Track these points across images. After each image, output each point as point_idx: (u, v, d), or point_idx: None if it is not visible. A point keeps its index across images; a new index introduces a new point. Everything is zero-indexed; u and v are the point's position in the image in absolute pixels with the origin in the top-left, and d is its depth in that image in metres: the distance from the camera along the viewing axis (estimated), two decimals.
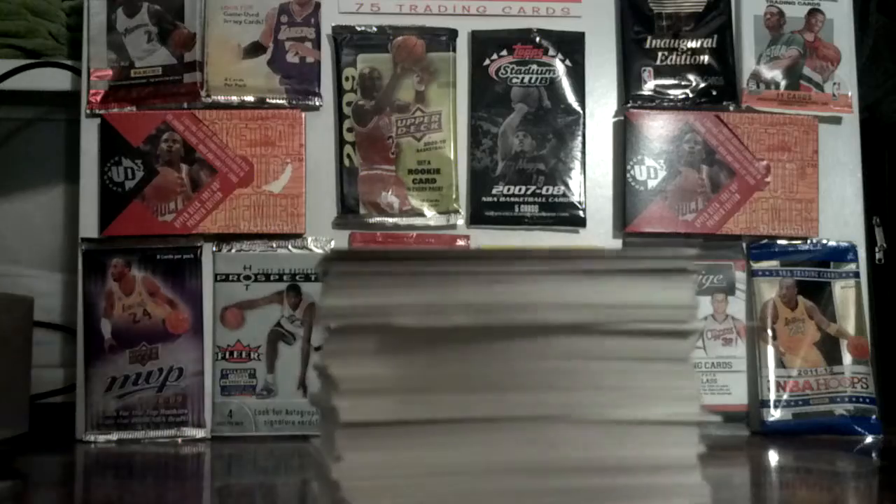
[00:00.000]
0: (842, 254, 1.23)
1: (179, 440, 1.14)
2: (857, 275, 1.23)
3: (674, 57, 1.24)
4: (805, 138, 1.24)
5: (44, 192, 1.32)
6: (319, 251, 1.18)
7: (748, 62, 1.24)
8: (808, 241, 1.23)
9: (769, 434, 1.16)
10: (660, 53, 1.24)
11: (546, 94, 1.22)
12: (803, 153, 1.24)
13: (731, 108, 1.24)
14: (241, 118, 1.19)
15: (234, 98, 1.19)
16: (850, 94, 1.25)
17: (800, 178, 1.23)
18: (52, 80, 1.24)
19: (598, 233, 1.22)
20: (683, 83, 1.23)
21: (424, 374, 0.48)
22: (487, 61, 1.23)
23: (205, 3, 1.21)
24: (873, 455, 1.06)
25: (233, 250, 1.18)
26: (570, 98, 1.23)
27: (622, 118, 1.23)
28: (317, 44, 1.22)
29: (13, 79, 1.23)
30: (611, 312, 0.50)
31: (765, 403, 1.18)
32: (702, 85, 1.24)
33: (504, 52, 1.23)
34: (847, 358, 1.20)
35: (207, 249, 1.18)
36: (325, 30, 1.22)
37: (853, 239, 1.24)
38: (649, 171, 1.22)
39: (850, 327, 1.21)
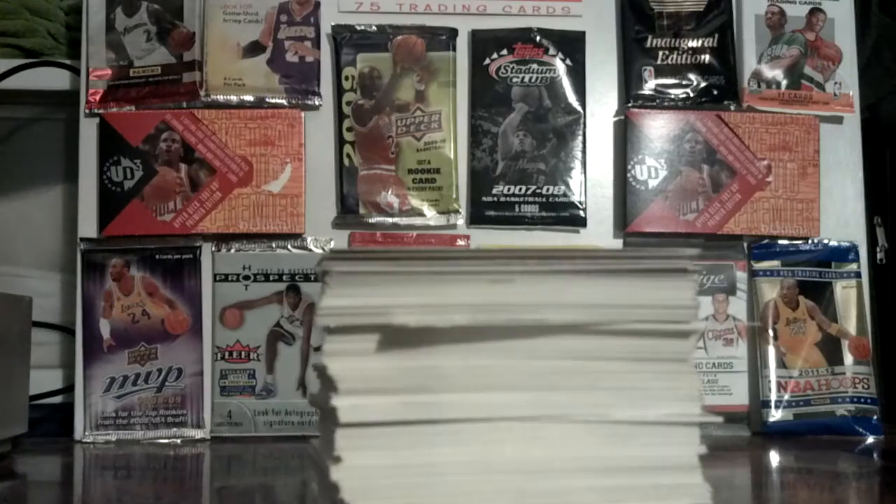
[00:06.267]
0: (843, 254, 1.23)
1: (179, 441, 1.14)
2: (858, 275, 1.23)
3: (674, 56, 1.24)
4: (806, 138, 1.23)
5: (42, 191, 1.32)
6: (319, 251, 1.18)
7: (749, 61, 1.24)
8: (810, 241, 1.23)
9: (770, 434, 1.16)
10: (660, 53, 1.24)
11: (546, 93, 1.22)
12: (804, 153, 1.23)
13: (732, 107, 1.23)
14: (241, 118, 1.19)
15: (234, 97, 1.19)
16: (851, 93, 1.25)
17: (801, 177, 1.23)
18: (51, 79, 1.24)
19: (599, 233, 1.22)
20: (684, 82, 1.23)
21: (424, 374, 0.48)
22: (487, 60, 1.23)
23: (204, 3, 1.21)
24: (874, 456, 1.06)
25: (232, 250, 1.18)
26: (571, 97, 1.22)
27: (623, 118, 1.23)
28: (316, 43, 1.22)
29: (12, 78, 1.23)
30: (611, 312, 0.50)
31: (766, 404, 1.17)
32: (703, 84, 1.23)
33: (504, 52, 1.22)
34: (848, 358, 1.20)
35: (207, 249, 1.18)
36: (325, 29, 1.22)
37: (854, 239, 1.24)
38: (650, 170, 1.21)
39: (852, 327, 1.21)
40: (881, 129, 1.39)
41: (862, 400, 1.18)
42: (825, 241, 1.23)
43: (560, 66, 1.23)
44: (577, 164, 1.22)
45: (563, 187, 1.21)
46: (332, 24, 1.22)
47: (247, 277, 1.17)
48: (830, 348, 1.20)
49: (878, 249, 1.30)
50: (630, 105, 1.23)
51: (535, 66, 1.22)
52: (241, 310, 1.17)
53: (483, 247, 1.18)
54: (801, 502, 0.79)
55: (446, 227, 1.21)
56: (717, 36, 1.25)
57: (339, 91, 1.21)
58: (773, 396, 1.17)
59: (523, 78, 1.22)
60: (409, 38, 1.22)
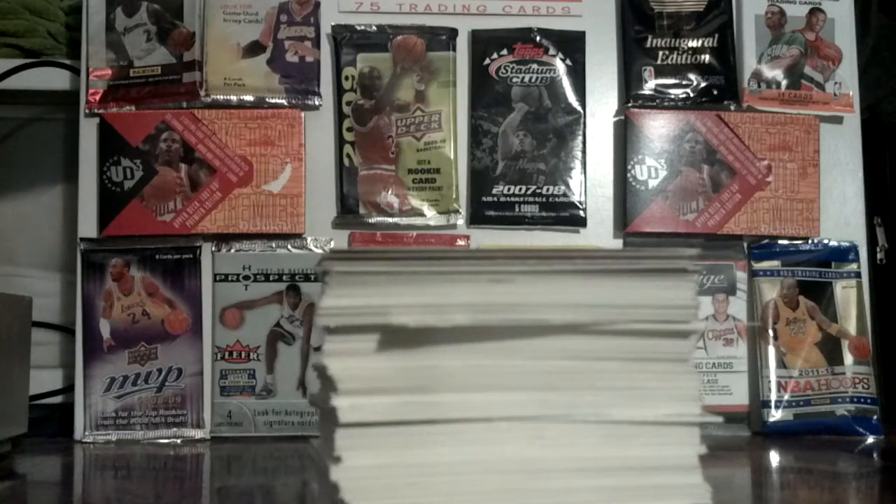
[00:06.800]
0: (843, 254, 1.23)
1: (179, 441, 1.14)
2: (858, 275, 1.23)
3: (674, 56, 1.24)
4: (806, 138, 1.23)
5: (43, 191, 1.32)
6: (319, 251, 1.18)
7: (749, 61, 1.24)
8: (810, 241, 1.23)
9: (770, 434, 1.16)
10: (660, 53, 1.24)
11: (546, 93, 1.22)
12: (804, 153, 1.23)
13: (732, 107, 1.23)
14: (241, 118, 1.19)
15: (234, 97, 1.19)
16: (851, 93, 1.25)
17: (801, 177, 1.23)
18: (51, 79, 1.24)
19: (599, 233, 1.22)
20: (684, 82, 1.23)
21: (424, 374, 0.48)
22: (487, 60, 1.22)
23: (204, 3, 1.20)
24: (874, 456, 1.06)
25: (232, 250, 1.18)
26: (571, 97, 1.22)
27: (623, 118, 1.23)
28: (316, 43, 1.22)
29: (12, 78, 1.23)
30: (611, 312, 0.50)
31: (766, 404, 1.17)
32: (703, 84, 1.23)
33: (504, 52, 1.22)
34: (848, 358, 1.20)
35: (207, 249, 1.18)
36: (325, 29, 1.22)
37: (854, 239, 1.24)
38: (650, 170, 1.21)
39: (852, 327, 1.21)
40: (881, 129, 1.39)
41: (862, 400, 1.18)
42: (825, 241, 1.23)
43: (560, 66, 1.23)
44: (577, 164, 1.22)
45: (563, 187, 1.21)
46: (332, 24, 1.22)
47: (247, 277, 1.17)
48: (830, 348, 1.20)
49: (878, 249, 1.30)
50: (630, 105, 1.23)
51: (535, 66, 1.22)
52: (241, 310, 1.17)
53: (483, 247, 1.18)
54: (801, 502, 0.79)
55: (446, 227, 1.21)
56: (717, 36, 1.25)
57: (339, 91, 1.21)
58: (773, 396, 1.17)
59: (523, 78, 1.22)
60: (409, 38, 1.22)
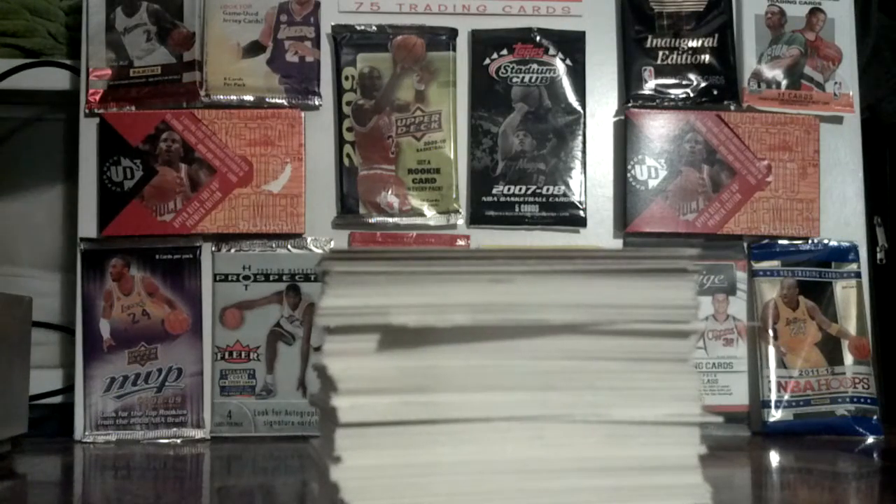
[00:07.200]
0: (843, 254, 1.23)
1: (179, 441, 1.14)
2: (858, 275, 1.23)
3: (674, 56, 1.24)
4: (806, 138, 1.23)
5: (43, 191, 1.32)
6: (319, 251, 1.18)
7: (749, 61, 1.24)
8: (810, 241, 1.23)
9: (770, 434, 1.16)
10: (660, 53, 1.24)
11: (546, 93, 1.22)
12: (804, 153, 1.23)
13: (732, 107, 1.23)
14: (241, 118, 1.19)
15: (234, 97, 1.19)
16: (851, 93, 1.25)
17: (801, 177, 1.23)
18: (51, 79, 1.24)
19: (599, 233, 1.22)
20: (684, 82, 1.23)
21: (424, 374, 0.48)
22: (487, 60, 1.22)
23: (204, 3, 1.20)
24: (874, 456, 1.06)
25: (232, 250, 1.18)
26: (571, 97, 1.22)
27: (623, 118, 1.23)
28: (316, 43, 1.22)
29: (12, 78, 1.23)
30: (611, 312, 0.50)
31: (766, 404, 1.17)
32: (703, 84, 1.23)
33: (504, 52, 1.22)
34: (848, 358, 1.20)
35: (207, 249, 1.18)
36: (325, 29, 1.22)
37: (854, 239, 1.24)
38: (650, 170, 1.21)
39: (852, 327, 1.21)
40: (881, 129, 1.39)
41: (862, 400, 1.18)
42: (825, 241, 1.23)
43: (560, 66, 1.23)
44: (577, 164, 1.22)
45: (563, 187, 1.21)
46: (332, 24, 1.22)
47: (247, 277, 1.17)
48: (830, 348, 1.20)
49: (878, 249, 1.30)
50: (630, 105, 1.23)
51: (535, 66, 1.22)
52: (241, 310, 1.17)
53: (483, 247, 1.18)
54: (801, 502, 0.79)
55: (446, 227, 1.21)
56: (717, 36, 1.25)
57: (339, 91, 1.21)
58: (773, 396, 1.17)
59: (523, 78, 1.22)
60: (409, 38, 1.22)
